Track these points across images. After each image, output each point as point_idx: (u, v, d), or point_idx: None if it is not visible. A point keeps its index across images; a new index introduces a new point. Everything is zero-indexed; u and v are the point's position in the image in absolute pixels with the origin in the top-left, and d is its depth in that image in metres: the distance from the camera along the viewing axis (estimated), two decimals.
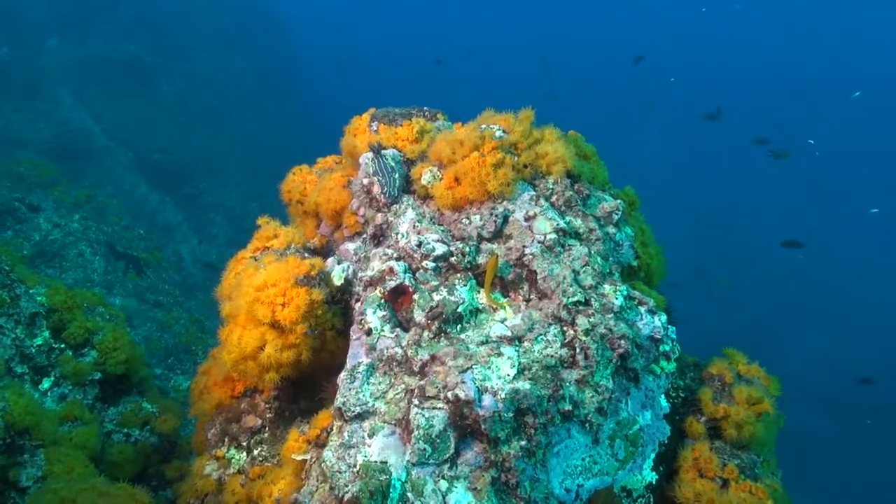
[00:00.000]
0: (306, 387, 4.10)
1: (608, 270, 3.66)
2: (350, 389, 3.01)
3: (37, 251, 10.87)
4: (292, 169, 4.78)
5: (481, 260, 3.58)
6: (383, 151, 4.01)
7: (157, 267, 12.62)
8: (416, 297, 3.36)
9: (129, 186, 16.93)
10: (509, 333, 3.19)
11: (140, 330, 10.57)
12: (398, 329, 3.25)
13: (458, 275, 3.48)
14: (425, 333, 3.21)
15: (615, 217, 3.97)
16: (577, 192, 3.94)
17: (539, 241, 3.56)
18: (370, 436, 2.87)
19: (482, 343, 3.14)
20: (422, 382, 2.91)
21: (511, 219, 3.68)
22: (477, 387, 2.87)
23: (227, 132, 20.53)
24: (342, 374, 3.14)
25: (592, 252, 3.63)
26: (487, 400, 2.83)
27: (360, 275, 3.63)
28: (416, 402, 2.85)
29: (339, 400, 3.00)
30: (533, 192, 3.83)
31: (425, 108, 4.54)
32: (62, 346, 5.57)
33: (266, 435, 3.97)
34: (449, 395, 2.82)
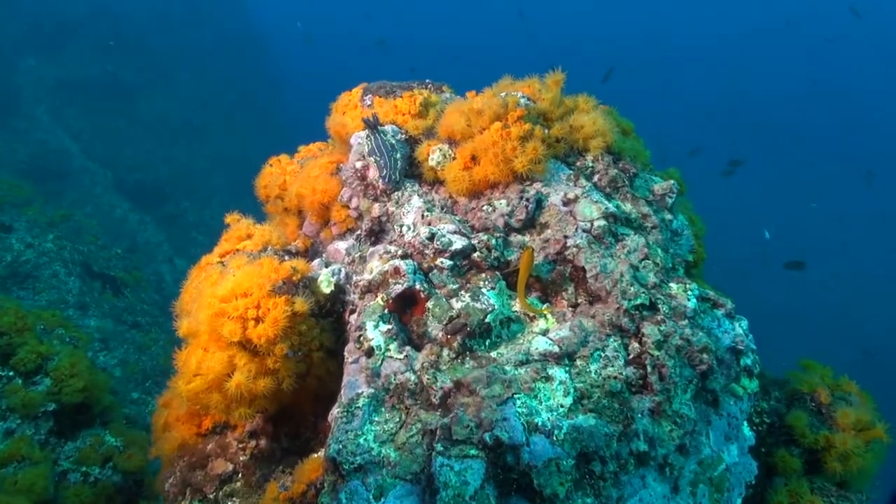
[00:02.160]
0: (289, 420, 3.30)
1: (671, 265, 2.89)
2: (347, 432, 2.20)
3: (9, 272, 10.12)
4: (269, 160, 3.99)
5: (512, 256, 2.79)
6: (381, 127, 3.23)
7: (136, 287, 11.80)
8: (430, 304, 2.56)
9: (108, 206, 16.14)
10: (556, 349, 2.39)
11: (116, 352, 9.76)
12: (408, 347, 2.45)
13: (483, 275, 2.69)
14: (445, 352, 2.41)
15: (669, 200, 3.20)
16: (622, 171, 3.17)
17: (584, 230, 2.78)
18: (377, 497, 2.05)
19: (522, 363, 2.34)
20: (446, 420, 2.11)
21: (546, 203, 2.90)
22: (523, 424, 2.07)
23: (208, 150, 19.78)
24: (335, 410, 2.34)
25: (651, 242, 2.85)
26: (539, 442, 2.03)
27: (354, 279, 2.83)
28: (439, 447, 2.04)
29: (332, 447, 2.19)
30: (569, 172, 3.06)
31: (428, 80, 3.78)
32: (10, 373, 4.86)
33: (238, 484, 3.14)
34: (486, 437, 2.01)
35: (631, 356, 2.42)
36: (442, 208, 3.01)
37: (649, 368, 2.37)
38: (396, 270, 2.62)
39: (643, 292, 2.58)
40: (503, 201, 2.90)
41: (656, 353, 2.39)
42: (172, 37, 20.95)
